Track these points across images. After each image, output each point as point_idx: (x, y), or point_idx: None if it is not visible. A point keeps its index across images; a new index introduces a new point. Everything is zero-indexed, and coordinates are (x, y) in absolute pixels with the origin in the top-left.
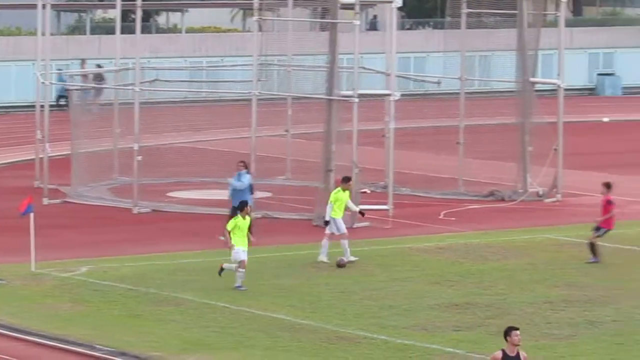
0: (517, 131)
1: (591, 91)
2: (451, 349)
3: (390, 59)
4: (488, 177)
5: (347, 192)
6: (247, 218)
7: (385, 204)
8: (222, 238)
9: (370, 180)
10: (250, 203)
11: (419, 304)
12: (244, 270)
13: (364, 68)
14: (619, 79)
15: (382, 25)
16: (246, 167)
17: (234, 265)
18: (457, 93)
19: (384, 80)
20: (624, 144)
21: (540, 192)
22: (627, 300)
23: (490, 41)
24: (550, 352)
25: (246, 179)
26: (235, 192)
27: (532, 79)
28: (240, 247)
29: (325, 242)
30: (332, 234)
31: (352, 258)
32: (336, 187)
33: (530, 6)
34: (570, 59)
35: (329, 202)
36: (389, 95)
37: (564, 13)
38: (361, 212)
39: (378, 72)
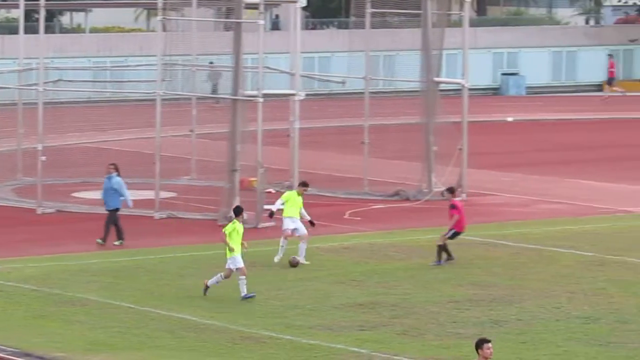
0: (422, 131)
1: (495, 91)
2: (356, 349)
3: (294, 59)
4: (393, 176)
5: (300, 197)
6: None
7: None
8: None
9: (276, 180)
10: (118, 205)
11: (324, 304)
12: (244, 277)
13: (269, 68)
14: (523, 78)
15: (285, 24)
16: (117, 169)
17: (218, 277)
18: (362, 93)
19: (289, 80)
20: (528, 144)
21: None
22: (531, 299)
23: (394, 41)
24: (455, 351)
25: (115, 182)
26: (107, 194)
27: (436, 79)
28: (238, 255)
29: (283, 241)
30: (292, 233)
31: (303, 260)
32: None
33: (434, 6)
34: (474, 59)
35: (281, 197)
36: (293, 95)
37: (468, 13)
38: (311, 222)
39: (283, 72)
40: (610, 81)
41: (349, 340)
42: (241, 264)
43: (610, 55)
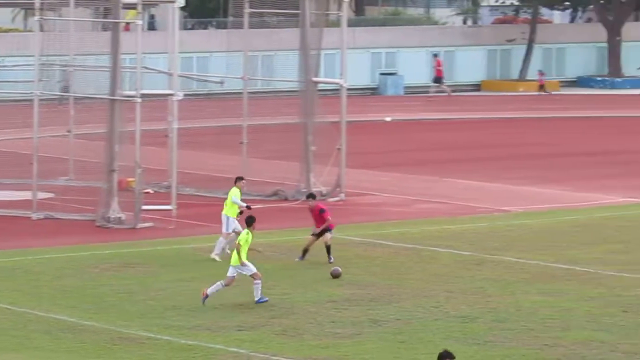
0: (300, 131)
1: (374, 91)
2: (235, 349)
3: (172, 59)
4: (272, 176)
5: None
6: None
7: (168, 204)
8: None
9: (154, 180)
10: None
11: (203, 304)
12: (260, 281)
13: (147, 68)
14: (401, 78)
15: (162, 24)
16: None
17: (218, 286)
18: (240, 93)
19: (167, 80)
20: (407, 143)
21: (324, 192)
22: (409, 299)
23: (273, 41)
24: (334, 351)
25: None
26: None
27: (314, 79)
28: (248, 263)
29: (221, 239)
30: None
31: (217, 257)
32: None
33: (312, 6)
34: (352, 59)
35: (231, 194)
36: (171, 95)
37: (346, 13)
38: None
39: (161, 72)
40: (438, 80)
41: (228, 340)
42: (254, 270)
43: (435, 55)
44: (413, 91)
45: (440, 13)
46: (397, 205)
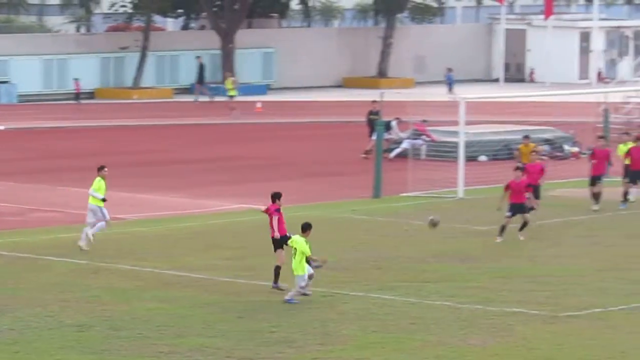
0: None
1: None
2: None
3: None
4: None
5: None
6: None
7: None
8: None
9: None
10: None
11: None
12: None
13: None
14: (14, 86)
15: None
16: None
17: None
18: None
19: None
20: (21, 152)
21: None
22: (24, 309)
23: None
24: None
25: None
26: None
27: None
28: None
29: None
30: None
31: (84, 245)
32: None
33: None
34: None
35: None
36: None
37: None
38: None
39: None
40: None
41: None
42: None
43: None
44: (27, 99)
45: (54, 21)
46: (11, 214)
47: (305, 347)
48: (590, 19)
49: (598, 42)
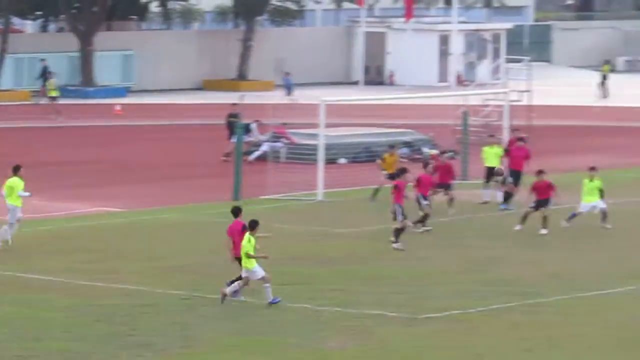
0: None
1: None
2: None
3: None
4: None
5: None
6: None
7: None
8: None
9: None
10: None
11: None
12: (269, 284)
13: None
14: None
15: None
16: None
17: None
18: None
19: None
20: None
21: None
22: None
23: None
24: None
25: None
26: None
27: None
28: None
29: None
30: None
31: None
32: None
33: None
34: None
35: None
36: None
37: None
38: None
39: None
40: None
41: None
42: (262, 273)
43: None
44: None
45: None
46: None
47: (166, 350)
48: (450, 22)
49: (457, 45)
